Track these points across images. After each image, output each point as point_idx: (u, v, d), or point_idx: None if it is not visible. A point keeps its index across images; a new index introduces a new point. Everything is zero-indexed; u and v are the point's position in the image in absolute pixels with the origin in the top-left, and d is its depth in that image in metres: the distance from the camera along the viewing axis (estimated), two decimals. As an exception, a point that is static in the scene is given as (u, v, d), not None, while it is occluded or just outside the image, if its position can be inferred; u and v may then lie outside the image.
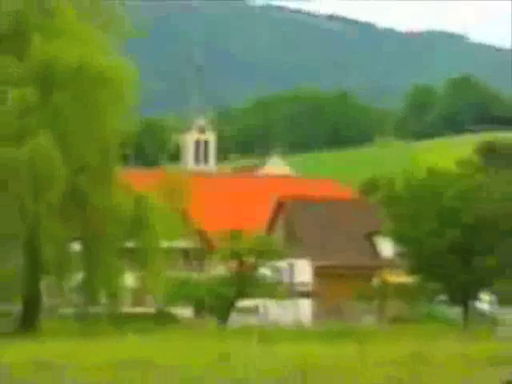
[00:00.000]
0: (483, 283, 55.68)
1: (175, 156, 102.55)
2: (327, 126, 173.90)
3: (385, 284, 65.32)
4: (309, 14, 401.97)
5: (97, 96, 45.02)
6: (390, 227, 59.74)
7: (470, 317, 53.93)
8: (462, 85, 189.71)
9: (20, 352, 24.22)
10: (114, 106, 45.71)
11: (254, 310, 57.87)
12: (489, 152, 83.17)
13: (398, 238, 60.58)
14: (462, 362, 22.06)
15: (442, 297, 58.80)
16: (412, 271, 59.29)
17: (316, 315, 58.46)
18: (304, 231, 70.14)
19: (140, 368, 20.45)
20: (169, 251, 49.28)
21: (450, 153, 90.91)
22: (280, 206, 73.83)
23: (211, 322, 52.10)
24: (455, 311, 57.11)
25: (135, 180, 49.51)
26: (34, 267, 44.70)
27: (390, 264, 65.70)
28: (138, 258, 47.19)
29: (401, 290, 62.04)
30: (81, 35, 45.98)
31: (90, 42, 45.82)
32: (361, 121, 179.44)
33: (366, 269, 67.54)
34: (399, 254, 61.25)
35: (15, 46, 46.45)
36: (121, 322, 43.21)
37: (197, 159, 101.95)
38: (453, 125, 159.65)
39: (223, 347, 28.41)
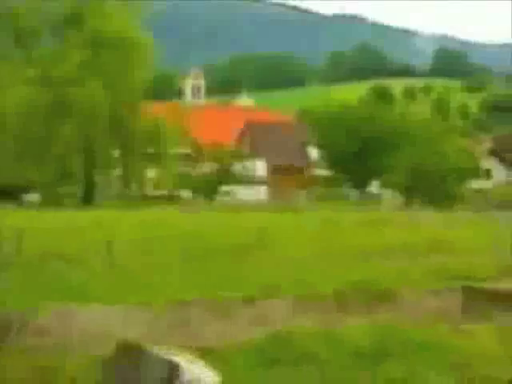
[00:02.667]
0: (374, 176, 57.01)
1: (180, 93, 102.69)
2: (279, 75, 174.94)
3: (312, 176, 66.00)
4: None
5: (129, 55, 45.92)
6: (316, 139, 61.55)
7: (365, 197, 55.03)
8: (363, 49, 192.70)
9: (85, 217, 24.45)
10: (140, 62, 46.51)
11: (229, 193, 58.62)
12: (379, 93, 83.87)
13: (321, 147, 62.03)
14: (358, 223, 22.10)
15: (349, 184, 60.13)
16: (330, 167, 60.80)
17: (269, 197, 59.10)
18: (262, 143, 70.76)
19: (160, 223, 21.26)
20: (175, 155, 50.45)
21: (355, 93, 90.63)
22: (246, 126, 74.40)
23: (202, 200, 52.63)
24: (356, 193, 58.22)
25: (153, 110, 50.48)
26: (91, 166, 46.13)
27: (316, 164, 66.96)
28: (156, 159, 48.49)
29: (322, 180, 63.28)
30: (119, 14, 46.94)
31: (124, 19, 46.83)
32: (300, 71, 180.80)
33: (302, 166, 68.38)
34: (322, 157, 62.81)
35: (76, 23, 47.25)
36: (145, 200, 44.40)
37: (193, 96, 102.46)
38: (358, 75, 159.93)
39: (206, 213, 29.36)
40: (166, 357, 2.57)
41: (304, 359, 7.15)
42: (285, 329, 8.16)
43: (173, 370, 2.55)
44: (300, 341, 7.67)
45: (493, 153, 68.18)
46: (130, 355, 2.64)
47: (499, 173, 65.31)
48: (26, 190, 49.01)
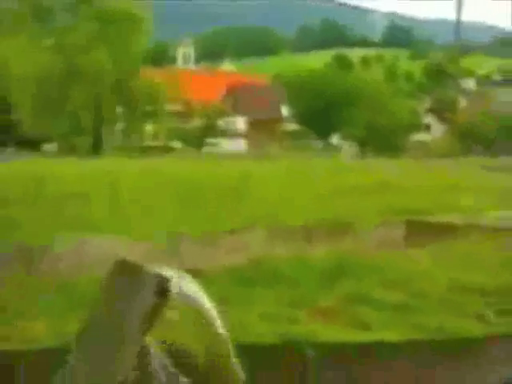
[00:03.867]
0: (335, 129, 56.97)
1: (172, 60, 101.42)
2: (256, 45, 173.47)
3: (283, 130, 65.82)
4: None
5: (131, 28, 45.60)
6: (287, 99, 61.39)
7: (327, 147, 55.11)
8: (327, 23, 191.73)
9: (95, 164, 24.56)
10: (140, 33, 46.25)
11: (214, 144, 58.37)
12: (340, 60, 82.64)
13: (291, 105, 62.03)
14: (321, 169, 21.63)
15: (314, 136, 60.08)
16: (298, 122, 60.79)
17: (248, 147, 59.01)
18: (242, 101, 70.41)
19: (157, 169, 21.13)
20: (169, 112, 50.42)
21: (320, 61, 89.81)
22: (229, 88, 73.99)
23: (192, 150, 52.42)
24: (320, 144, 58.06)
25: (151, 74, 50.31)
26: (99, 121, 46.04)
27: (287, 119, 66.83)
28: (153, 115, 48.53)
29: (292, 133, 63.19)
30: None
31: None
32: (273, 42, 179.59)
33: (275, 121, 68.12)
34: (292, 114, 62.79)
35: (87, 1, 47.28)
36: (144, 150, 44.32)
37: (184, 63, 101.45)
38: (322, 45, 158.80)
39: (195, 161, 29.24)
40: (158, 272, 2.63)
41: (276, 279, 7.28)
42: (261, 255, 8.26)
43: (164, 282, 2.60)
44: (273, 264, 7.80)
45: (432, 111, 68.34)
46: (127, 270, 2.68)
47: (437, 127, 65.62)
48: (45, 140, 48.86)
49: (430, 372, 6.22)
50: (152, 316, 2.72)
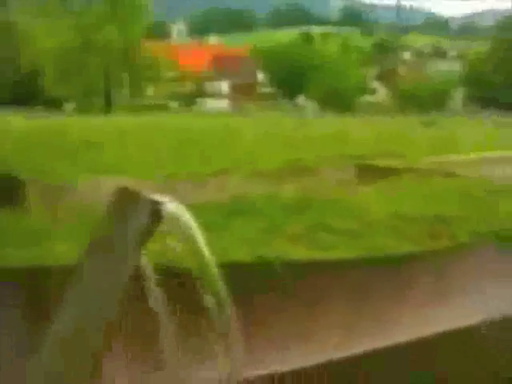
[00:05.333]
0: (301, 91, 56.32)
1: (168, 35, 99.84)
2: (236, 23, 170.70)
3: (259, 92, 65.38)
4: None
5: (135, 7, 44.98)
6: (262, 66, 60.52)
7: (295, 107, 54.58)
8: (294, 4, 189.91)
9: (105, 120, 24.27)
10: (141, 12, 45.66)
11: (202, 103, 57.99)
12: (304, 36, 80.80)
13: (265, 72, 61.27)
14: (290, 122, 21.28)
15: (284, 98, 59.32)
16: (271, 86, 60.01)
17: (230, 107, 58.65)
18: (226, 68, 69.65)
19: (158, 122, 20.83)
20: (166, 77, 50.06)
21: (288, 36, 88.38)
22: (215, 57, 73.08)
23: (185, 108, 51.98)
24: (288, 104, 57.37)
25: (150, 46, 49.82)
26: (110, 84, 45.58)
27: (262, 83, 66.21)
28: (153, 79, 48.34)
29: (266, 94, 62.67)
30: None
31: None
32: (250, 20, 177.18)
33: (252, 85, 67.57)
34: (266, 79, 61.93)
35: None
36: (145, 108, 43.93)
37: (178, 37, 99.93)
38: (290, 23, 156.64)
39: (187, 117, 28.95)
40: (153, 197, 2.60)
41: (253, 212, 7.22)
42: (241, 192, 8.20)
43: (158, 206, 2.56)
44: (251, 200, 7.73)
45: (378, 77, 68.56)
46: (127, 196, 2.63)
47: (382, 91, 65.79)
48: (65, 101, 48.41)
49: (375, 280, 6.34)
50: (147, 236, 2.68)
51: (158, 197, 2.68)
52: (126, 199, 2.73)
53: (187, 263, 2.86)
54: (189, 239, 2.74)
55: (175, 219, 2.71)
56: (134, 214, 2.72)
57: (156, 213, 2.66)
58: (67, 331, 2.58)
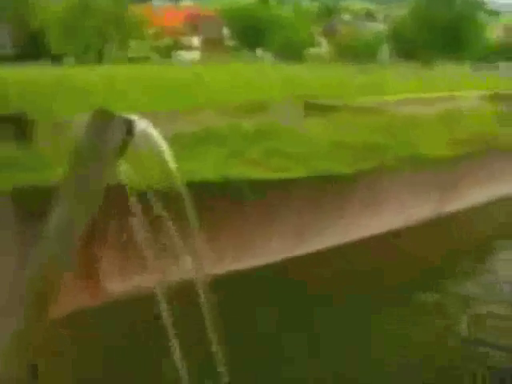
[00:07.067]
0: (260, 44, 54.66)
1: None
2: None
3: (225, 46, 63.68)
4: None
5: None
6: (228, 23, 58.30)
7: (255, 57, 53.27)
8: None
9: (98, 70, 23.42)
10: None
11: (178, 55, 56.26)
12: (262, 2, 76.57)
13: (229, 28, 59.30)
14: (253, 68, 20.33)
15: (245, 49, 57.68)
16: (235, 39, 58.18)
17: (202, 58, 57.04)
18: (198, 27, 67.41)
19: (142, 70, 20.02)
20: (147, 33, 48.51)
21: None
22: (189, 16, 70.55)
23: (164, 59, 50.29)
24: (249, 55, 56.01)
25: (134, 8, 47.83)
26: (102, 41, 44.16)
27: (227, 38, 64.28)
28: (137, 36, 46.79)
29: (229, 47, 60.97)
30: None
31: None
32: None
33: (220, 39, 65.58)
34: (230, 33, 59.86)
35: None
36: (131, 60, 42.46)
37: (158, 0, 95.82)
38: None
39: (165, 66, 27.99)
40: (127, 116, 2.44)
41: (217, 141, 7.00)
42: (209, 125, 7.90)
43: (131, 124, 2.40)
44: (216, 131, 7.46)
45: (323, 34, 67.61)
46: (104, 116, 2.47)
47: (325, 45, 65.00)
48: (66, 56, 46.85)
49: (320, 195, 6.40)
50: (121, 149, 2.53)
51: (130, 116, 2.51)
52: (103, 118, 2.55)
53: (158, 179, 2.65)
54: (157, 153, 2.57)
55: (145, 135, 2.52)
56: (109, 131, 2.55)
57: (128, 129, 2.50)
58: (58, 226, 2.56)
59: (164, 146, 2.60)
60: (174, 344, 2.97)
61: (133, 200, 2.67)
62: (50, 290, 2.49)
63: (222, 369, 3.31)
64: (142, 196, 2.76)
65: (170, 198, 2.77)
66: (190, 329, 3.13)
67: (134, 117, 2.49)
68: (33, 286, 2.47)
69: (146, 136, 2.49)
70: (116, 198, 2.70)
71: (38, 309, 2.48)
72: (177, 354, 3.02)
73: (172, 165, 2.65)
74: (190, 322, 3.14)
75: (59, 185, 2.57)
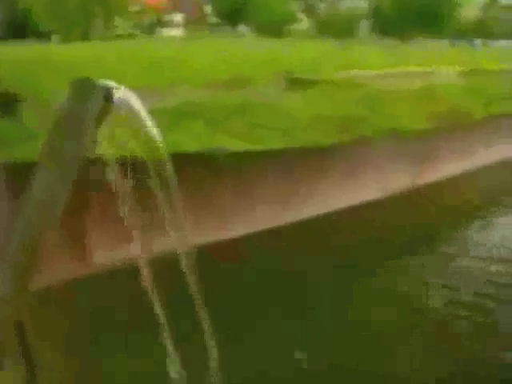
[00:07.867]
0: (242, 20, 53.89)
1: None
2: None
3: (208, 23, 62.53)
4: None
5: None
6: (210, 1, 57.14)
7: (237, 33, 52.53)
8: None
9: (85, 46, 22.82)
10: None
11: (161, 32, 55.00)
12: None
13: (212, 5, 58.27)
14: (237, 46, 20.91)
15: (228, 26, 56.81)
16: (217, 17, 57.18)
17: (185, 34, 55.88)
18: (180, 4, 65.94)
19: (130, 46, 19.64)
20: (132, 12, 47.15)
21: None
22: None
23: (148, 36, 49.18)
24: (232, 30, 55.23)
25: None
26: (88, 19, 42.79)
27: (209, 15, 63.07)
28: (122, 14, 45.35)
29: (212, 24, 59.78)
30: None
31: None
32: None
33: (202, 17, 64.36)
34: (213, 12, 58.70)
35: None
36: (116, 37, 41.42)
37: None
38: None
39: (152, 41, 27.48)
40: (107, 84, 2.40)
41: (200, 113, 6.90)
42: (189, 99, 7.77)
43: (110, 91, 2.35)
44: (198, 105, 7.37)
45: (304, 11, 66.85)
46: (84, 84, 2.42)
47: (305, 21, 64.46)
48: (53, 33, 45.60)
49: (301, 165, 6.39)
50: (101, 116, 2.50)
51: (110, 83, 2.45)
52: (84, 86, 2.49)
53: (140, 148, 2.57)
54: (137, 120, 2.51)
55: (125, 102, 2.47)
56: (90, 97, 2.50)
57: (109, 96, 2.45)
58: (38, 193, 2.54)
59: (144, 112, 2.53)
60: (160, 317, 2.90)
61: (114, 170, 2.59)
62: (31, 258, 2.45)
63: (210, 343, 3.20)
64: (123, 166, 2.68)
65: (151, 167, 2.69)
66: (175, 301, 3.05)
67: (113, 84, 2.43)
68: (14, 256, 2.42)
69: (126, 103, 2.42)
70: (97, 169, 2.62)
71: (20, 278, 2.44)
72: (163, 328, 2.96)
73: (153, 131, 2.59)
74: (175, 294, 3.06)
75: (39, 152, 2.51)
